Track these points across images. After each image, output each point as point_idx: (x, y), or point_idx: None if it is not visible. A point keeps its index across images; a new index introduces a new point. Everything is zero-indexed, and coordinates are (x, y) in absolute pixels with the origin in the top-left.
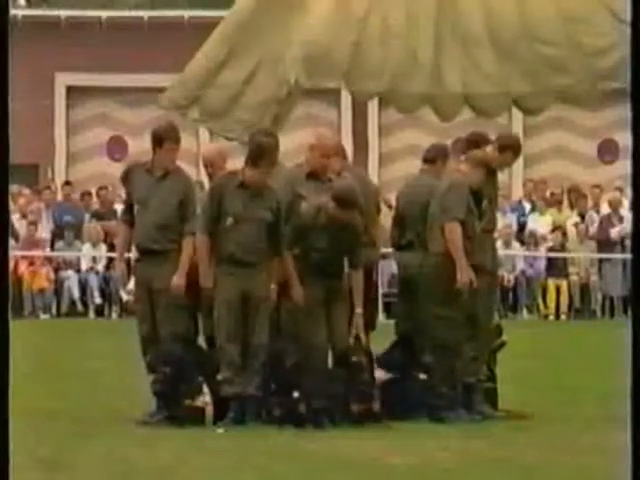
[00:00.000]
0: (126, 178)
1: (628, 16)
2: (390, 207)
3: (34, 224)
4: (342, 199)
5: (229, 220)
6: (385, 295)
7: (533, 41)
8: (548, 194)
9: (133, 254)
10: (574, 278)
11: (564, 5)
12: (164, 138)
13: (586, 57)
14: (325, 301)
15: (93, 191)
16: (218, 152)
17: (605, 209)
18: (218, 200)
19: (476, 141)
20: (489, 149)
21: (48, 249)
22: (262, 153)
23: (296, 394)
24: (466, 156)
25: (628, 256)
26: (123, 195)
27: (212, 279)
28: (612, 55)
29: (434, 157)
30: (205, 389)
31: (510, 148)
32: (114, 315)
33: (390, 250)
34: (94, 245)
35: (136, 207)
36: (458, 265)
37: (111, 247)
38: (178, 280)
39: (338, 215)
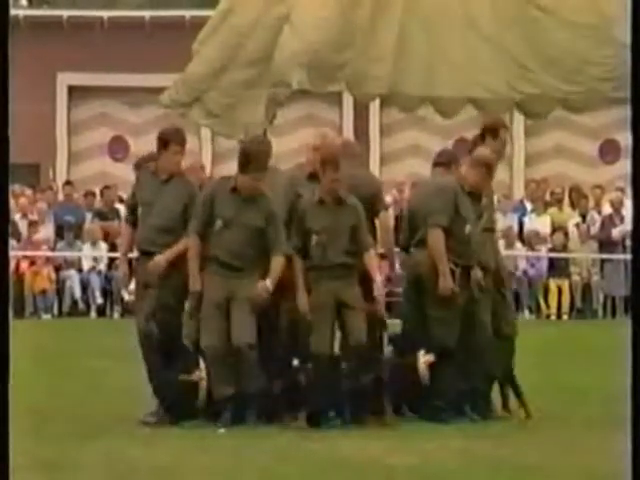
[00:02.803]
0: (137, 170)
1: (628, 39)
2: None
3: (35, 224)
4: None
5: (218, 224)
6: (387, 295)
7: (541, 62)
8: (549, 193)
9: (134, 254)
10: (576, 278)
11: (569, 31)
12: (169, 141)
13: (592, 80)
14: (335, 304)
15: (97, 190)
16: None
17: (607, 209)
18: (210, 204)
19: (475, 142)
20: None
21: (49, 249)
22: (249, 159)
23: (295, 362)
24: (464, 158)
25: (629, 256)
26: (124, 195)
27: (201, 282)
28: (616, 78)
29: (447, 161)
30: (202, 365)
31: (488, 131)
32: (116, 315)
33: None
34: (95, 245)
35: (140, 209)
36: (440, 271)
37: (112, 247)
38: (159, 258)
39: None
